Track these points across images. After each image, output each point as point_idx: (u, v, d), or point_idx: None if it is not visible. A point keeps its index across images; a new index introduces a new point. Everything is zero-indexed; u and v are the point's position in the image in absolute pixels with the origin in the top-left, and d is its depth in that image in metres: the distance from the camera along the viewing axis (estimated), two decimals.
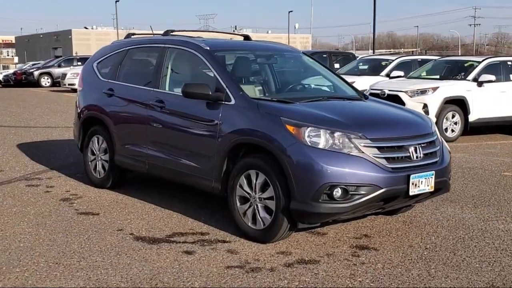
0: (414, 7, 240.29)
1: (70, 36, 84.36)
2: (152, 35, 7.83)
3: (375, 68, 17.21)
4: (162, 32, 7.44)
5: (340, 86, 6.73)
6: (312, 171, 4.94)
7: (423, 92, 12.77)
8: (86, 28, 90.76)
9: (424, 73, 14.95)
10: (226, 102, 5.75)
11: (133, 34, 7.76)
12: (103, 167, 7.48)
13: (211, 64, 6.08)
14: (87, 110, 7.65)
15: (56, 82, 33.25)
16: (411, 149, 5.25)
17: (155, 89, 6.62)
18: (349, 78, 12.27)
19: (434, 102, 12.58)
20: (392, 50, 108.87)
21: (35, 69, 36.20)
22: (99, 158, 7.51)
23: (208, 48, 6.27)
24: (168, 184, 7.31)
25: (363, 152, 5.02)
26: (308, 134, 5.06)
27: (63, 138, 12.04)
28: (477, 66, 13.48)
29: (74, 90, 27.77)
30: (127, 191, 7.35)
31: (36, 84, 34.55)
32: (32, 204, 6.73)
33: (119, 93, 7.14)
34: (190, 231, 5.77)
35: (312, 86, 6.80)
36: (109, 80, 7.40)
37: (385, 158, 5.09)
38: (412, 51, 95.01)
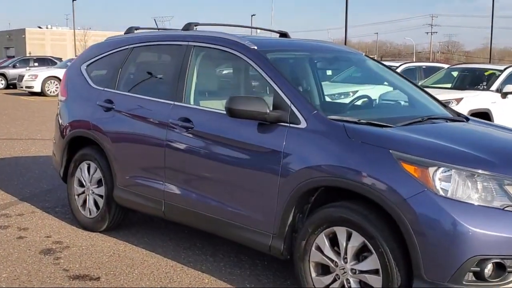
0: (371, 15, 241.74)
1: (23, 36, 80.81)
2: (157, 30, 6.03)
3: None
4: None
5: (423, 100, 5.07)
6: (452, 236, 3.24)
7: (446, 103, 11.21)
8: (40, 27, 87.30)
9: (430, 82, 13.47)
10: (292, 125, 4.00)
11: (137, 28, 5.92)
12: (95, 203, 5.62)
13: (265, 70, 4.33)
14: (74, 127, 5.77)
15: (11, 84, 30.70)
16: None
17: (176, 103, 4.82)
18: (349, 88, 10.68)
19: None
20: None
21: None
22: (91, 192, 5.64)
23: (255, 48, 4.51)
24: (180, 225, 5.46)
25: None
26: (439, 178, 3.35)
27: (29, 154, 10.05)
28: (499, 75, 12.08)
29: (32, 94, 25.55)
30: (127, 237, 5.52)
31: None
32: (3, 260, 4.84)
33: (122, 106, 5.30)
34: None
35: (390, 100, 5.13)
36: (106, 89, 5.55)
37: None
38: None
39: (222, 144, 4.39)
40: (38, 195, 7.03)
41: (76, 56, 49.00)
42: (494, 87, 11.82)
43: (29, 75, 25.65)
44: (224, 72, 5.11)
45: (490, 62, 43.45)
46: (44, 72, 25.89)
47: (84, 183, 5.71)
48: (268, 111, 4.04)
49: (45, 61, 33.24)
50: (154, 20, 6.51)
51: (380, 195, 3.44)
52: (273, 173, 4.00)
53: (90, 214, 5.66)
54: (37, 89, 25.09)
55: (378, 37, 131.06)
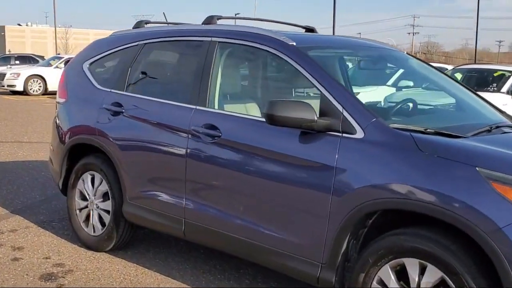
0: (354, 15, 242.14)
1: (3, 33, 79.33)
2: (167, 25, 5.38)
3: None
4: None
5: (474, 104, 4.48)
6: None
7: None
8: (20, 25, 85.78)
9: None
10: (345, 135, 3.40)
11: (147, 22, 5.28)
12: (100, 220, 4.97)
13: (308, 69, 3.72)
14: (76, 133, 5.12)
15: None
16: None
17: (198, 107, 4.19)
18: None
19: None
20: None
21: None
22: (95, 206, 4.99)
23: (294, 44, 3.89)
24: (194, 243, 4.80)
25: None
26: None
27: (17, 158, 9.30)
28: (510, 76, 11.59)
29: (14, 93, 24.62)
30: (137, 257, 4.90)
31: None
32: None
33: (133, 110, 4.67)
34: None
35: (442, 106, 4.56)
36: (113, 90, 4.91)
37: None
38: None
39: (257, 156, 3.77)
40: (31, 207, 6.35)
41: (57, 54, 48.00)
42: (505, 88, 11.36)
43: (11, 74, 24.72)
44: (254, 72, 4.48)
45: (475, 62, 43.33)
46: (27, 70, 25.01)
47: (87, 197, 5.06)
48: (315, 118, 3.44)
49: (26, 59, 32.40)
50: (163, 13, 5.80)
51: (468, 223, 2.85)
52: (323, 191, 3.40)
53: (94, 231, 5.01)
54: (20, 88, 24.20)
55: (361, 38, 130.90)
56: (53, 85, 23.86)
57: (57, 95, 5.53)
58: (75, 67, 5.39)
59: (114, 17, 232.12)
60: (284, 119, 3.46)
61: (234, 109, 4.16)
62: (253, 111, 4.16)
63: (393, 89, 6.42)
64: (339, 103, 3.48)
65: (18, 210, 6.20)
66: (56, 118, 5.44)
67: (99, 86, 5.05)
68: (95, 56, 5.28)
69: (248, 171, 3.81)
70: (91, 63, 5.27)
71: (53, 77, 23.94)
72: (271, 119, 3.50)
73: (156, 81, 4.80)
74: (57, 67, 24.61)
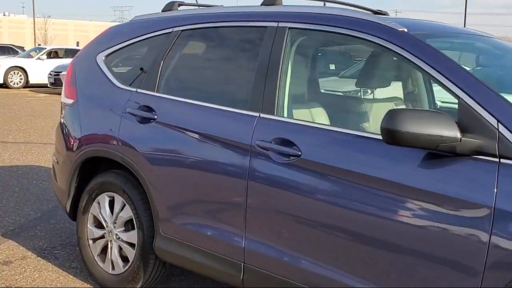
0: None
1: None
2: (198, 7, 4.30)
3: None
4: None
5: None
6: None
7: None
8: None
9: None
10: (505, 161, 2.37)
11: (181, 3, 4.18)
12: (122, 254, 3.89)
13: (437, 66, 2.68)
14: (90, 142, 4.03)
15: None
16: None
17: (263, 115, 3.14)
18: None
19: None
20: None
21: None
22: (115, 237, 3.91)
23: (405, 30, 2.85)
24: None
25: None
26: None
27: (3, 163, 8.12)
28: None
29: None
30: None
31: None
32: None
33: (168, 116, 3.59)
34: None
35: None
36: (140, 90, 3.82)
37: None
38: None
39: (359, 186, 2.73)
40: (25, 228, 5.24)
41: (37, 45, 46.13)
42: None
43: None
44: (344, 68, 3.42)
45: None
46: (7, 61, 23.58)
47: (104, 224, 3.97)
48: (459, 136, 2.40)
49: (5, 50, 30.93)
50: None
51: None
52: (475, 240, 2.38)
53: (114, 268, 3.94)
54: None
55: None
56: (34, 78, 22.64)
57: (63, 95, 4.42)
58: (87, 60, 4.30)
59: (92, 8, 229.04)
60: (413, 137, 2.42)
61: (314, 118, 3.12)
62: (329, 121, 3.13)
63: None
64: (491, 114, 2.45)
65: (11, 232, 5.10)
66: (62, 123, 4.34)
67: (119, 85, 3.97)
68: (113, 46, 4.18)
69: (345, 206, 2.76)
70: (107, 55, 4.18)
71: (35, 69, 22.65)
72: (393, 136, 2.46)
73: (199, 80, 3.75)
74: (39, 58, 23.25)
